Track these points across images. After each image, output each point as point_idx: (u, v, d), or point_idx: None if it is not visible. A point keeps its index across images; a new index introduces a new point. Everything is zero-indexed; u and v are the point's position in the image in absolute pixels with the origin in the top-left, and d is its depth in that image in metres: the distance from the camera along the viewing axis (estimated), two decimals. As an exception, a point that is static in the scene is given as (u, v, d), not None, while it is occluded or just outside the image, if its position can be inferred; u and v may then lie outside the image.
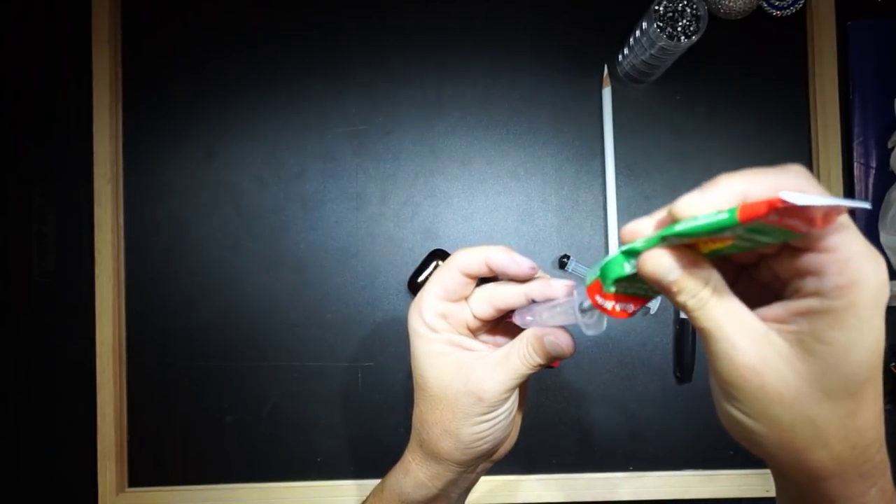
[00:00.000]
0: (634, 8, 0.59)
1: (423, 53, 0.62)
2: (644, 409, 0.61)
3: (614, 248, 0.60)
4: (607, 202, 0.61)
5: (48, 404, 0.62)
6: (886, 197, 0.58)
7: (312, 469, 0.61)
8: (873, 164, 0.61)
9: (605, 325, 0.31)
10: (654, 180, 0.61)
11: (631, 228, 0.26)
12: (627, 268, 0.26)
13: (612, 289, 0.27)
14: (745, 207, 0.21)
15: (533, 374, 0.34)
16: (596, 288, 0.28)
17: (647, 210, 0.28)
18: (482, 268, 0.34)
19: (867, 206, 0.20)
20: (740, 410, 0.25)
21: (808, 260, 0.23)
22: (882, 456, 0.25)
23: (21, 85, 0.62)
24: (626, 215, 0.61)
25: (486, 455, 0.37)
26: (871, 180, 0.61)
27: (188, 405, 0.61)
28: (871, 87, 0.61)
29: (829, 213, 0.21)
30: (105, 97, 0.60)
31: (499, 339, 0.38)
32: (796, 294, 0.24)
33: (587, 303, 0.30)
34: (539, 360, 0.33)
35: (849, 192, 0.61)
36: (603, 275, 0.27)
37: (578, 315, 0.30)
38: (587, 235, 0.61)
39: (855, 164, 0.61)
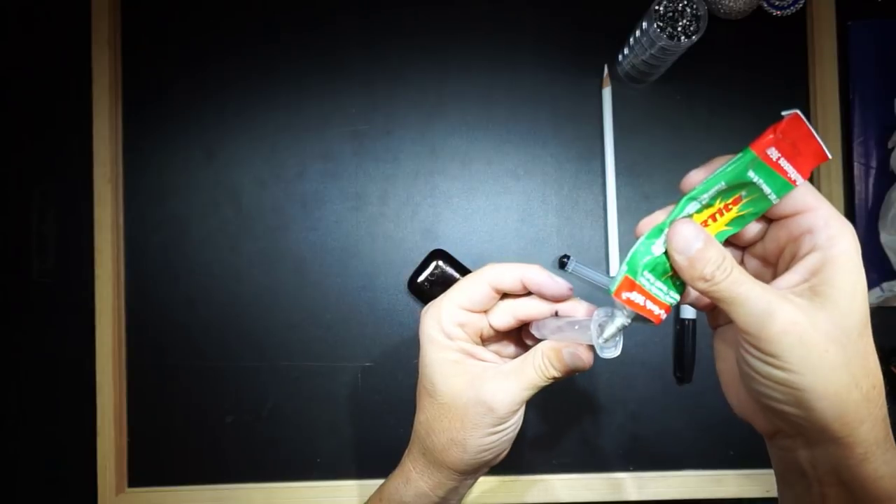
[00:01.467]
0: (634, 8, 0.59)
1: (423, 53, 0.62)
2: (644, 409, 0.61)
3: (614, 248, 0.60)
4: (607, 202, 0.61)
5: (48, 404, 0.62)
6: (886, 197, 0.58)
7: (312, 469, 0.61)
8: (873, 164, 0.61)
9: (620, 348, 0.31)
10: (654, 180, 0.61)
11: (648, 220, 0.29)
12: (655, 249, 0.28)
13: (642, 280, 0.28)
14: (754, 142, 0.26)
15: (547, 386, 0.33)
16: (625, 285, 0.28)
17: (647, 210, 0.28)
18: (516, 284, 0.33)
19: (829, 157, 0.27)
20: (782, 368, 0.25)
21: (799, 221, 0.27)
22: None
23: (21, 85, 0.62)
24: (626, 215, 0.61)
25: (489, 464, 0.37)
26: (871, 180, 0.61)
27: (188, 405, 0.61)
28: (871, 87, 0.61)
29: (808, 159, 0.26)
30: (105, 97, 0.60)
31: (508, 348, 0.38)
32: (795, 258, 0.27)
33: (609, 331, 0.30)
34: (555, 373, 0.33)
35: (849, 192, 0.61)
36: (632, 267, 0.28)
37: (595, 335, 0.30)
38: (587, 235, 0.61)
39: (855, 164, 0.61)
